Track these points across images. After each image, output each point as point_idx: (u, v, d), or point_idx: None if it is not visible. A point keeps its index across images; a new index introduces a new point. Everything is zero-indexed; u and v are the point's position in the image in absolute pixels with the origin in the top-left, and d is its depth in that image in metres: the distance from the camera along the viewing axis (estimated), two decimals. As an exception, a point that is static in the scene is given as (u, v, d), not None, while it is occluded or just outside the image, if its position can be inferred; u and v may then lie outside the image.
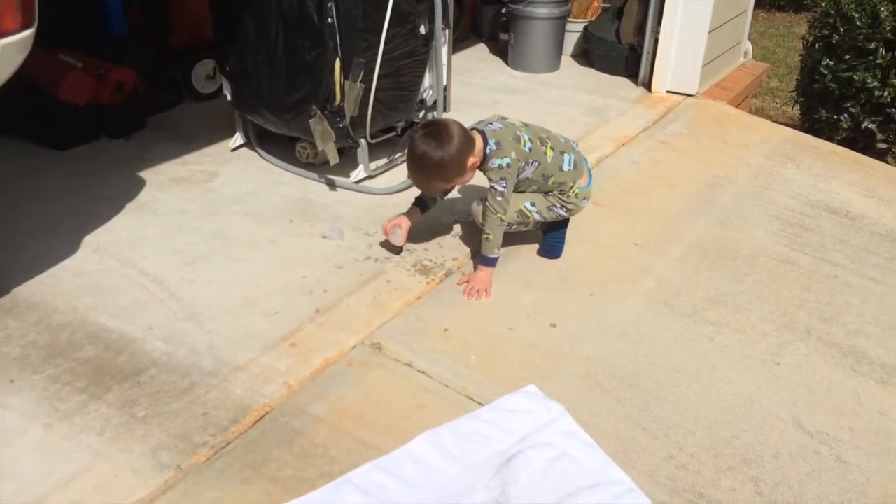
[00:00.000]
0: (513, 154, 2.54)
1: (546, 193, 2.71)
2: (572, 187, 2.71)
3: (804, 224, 3.31)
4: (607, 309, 2.62)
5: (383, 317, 2.43)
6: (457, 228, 2.99)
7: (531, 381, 2.21)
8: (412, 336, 2.37)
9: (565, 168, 2.69)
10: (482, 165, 2.58)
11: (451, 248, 2.85)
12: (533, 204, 2.69)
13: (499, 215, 2.58)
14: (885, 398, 2.36)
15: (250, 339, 2.29)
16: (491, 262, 2.64)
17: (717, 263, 2.96)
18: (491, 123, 2.63)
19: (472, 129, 2.58)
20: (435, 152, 2.43)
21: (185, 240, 2.81)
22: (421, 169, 2.50)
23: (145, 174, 3.28)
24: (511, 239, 2.93)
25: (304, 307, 2.47)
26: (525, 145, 2.59)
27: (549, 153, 2.65)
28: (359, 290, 2.57)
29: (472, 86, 4.50)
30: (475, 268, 2.69)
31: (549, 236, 2.87)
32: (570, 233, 2.87)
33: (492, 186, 2.57)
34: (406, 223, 2.72)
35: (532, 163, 2.61)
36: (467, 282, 2.63)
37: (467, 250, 2.84)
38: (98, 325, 2.32)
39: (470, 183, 2.66)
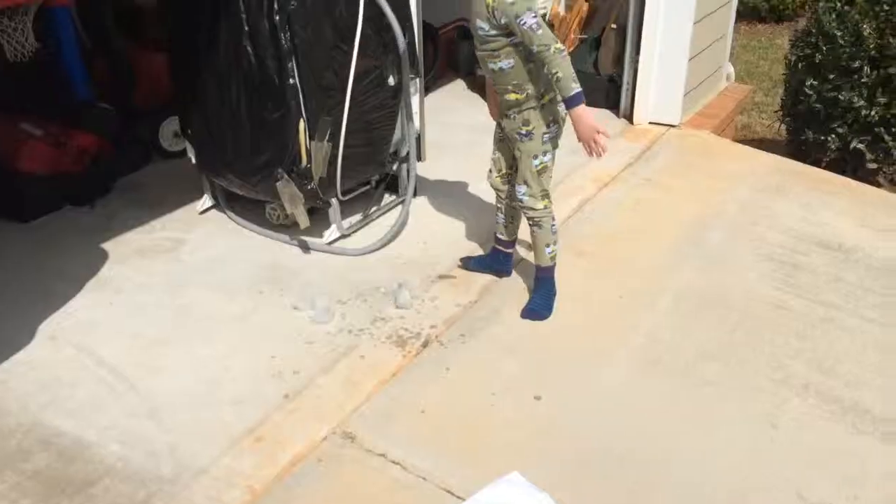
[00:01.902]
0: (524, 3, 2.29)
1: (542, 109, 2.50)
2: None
3: (796, 262, 3.18)
4: (595, 374, 2.49)
5: (356, 399, 2.30)
6: (435, 290, 2.86)
7: (515, 466, 2.07)
8: (387, 421, 2.23)
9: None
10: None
11: (428, 314, 2.72)
12: (534, 157, 2.54)
13: (552, 47, 2.29)
14: (891, 459, 2.23)
15: (213, 434, 2.15)
16: (578, 99, 2.33)
17: (708, 312, 2.83)
18: None
19: None
20: None
21: (147, 320, 2.68)
22: None
23: (109, 245, 3.15)
24: (494, 300, 2.81)
25: (272, 392, 2.33)
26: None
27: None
28: (331, 369, 2.43)
29: (449, 126, 4.38)
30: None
31: (537, 293, 2.74)
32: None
33: (522, 25, 2.28)
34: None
35: (536, 12, 2.34)
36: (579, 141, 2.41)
37: (446, 315, 2.71)
38: (51, 427, 2.18)
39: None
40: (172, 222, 3.34)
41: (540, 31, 2.30)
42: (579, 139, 2.41)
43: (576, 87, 2.33)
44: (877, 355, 2.67)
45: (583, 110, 2.37)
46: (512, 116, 2.54)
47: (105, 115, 3.60)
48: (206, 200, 3.40)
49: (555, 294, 2.74)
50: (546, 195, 2.62)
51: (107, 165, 3.55)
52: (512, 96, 2.49)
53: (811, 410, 2.40)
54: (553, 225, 2.65)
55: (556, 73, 2.32)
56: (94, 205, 3.45)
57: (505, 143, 2.67)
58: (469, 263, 2.96)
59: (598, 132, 2.38)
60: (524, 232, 2.81)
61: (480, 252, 3.07)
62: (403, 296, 2.68)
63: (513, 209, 2.78)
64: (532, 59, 2.40)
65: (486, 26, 2.38)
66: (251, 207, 3.31)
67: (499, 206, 2.81)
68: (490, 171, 2.77)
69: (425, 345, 2.56)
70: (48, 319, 2.68)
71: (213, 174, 3.21)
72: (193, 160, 3.25)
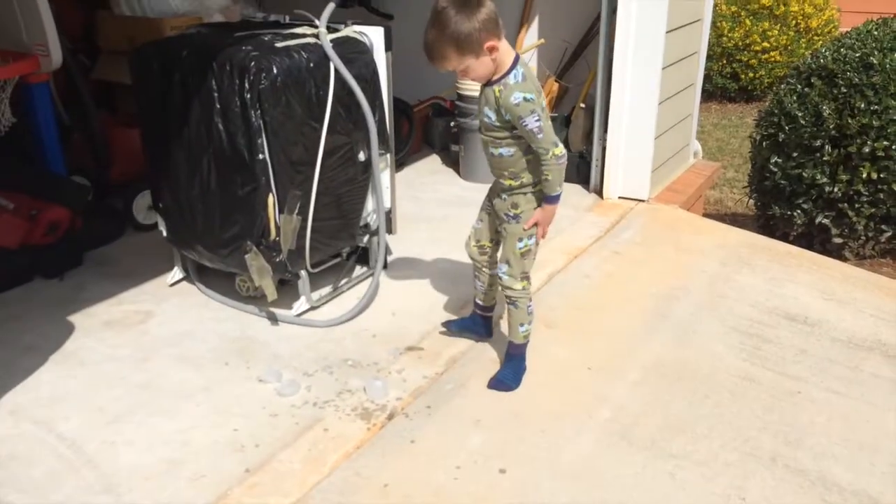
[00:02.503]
0: (535, 96, 2.34)
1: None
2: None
3: (763, 335, 3.21)
4: (561, 447, 2.47)
5: (318, 474, 2.26)
6: (402, 361, 2.85)
7: (477, 542, 2.03)
8: (349, 496, 2.19)
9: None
10: (495, 85, 2.36)
11: (394, 385, 2.71)
12: (520, 240, 2.59)
13: (551, 152, 2.36)
14: (859, 534, 2.21)
15: (171, 510, 2.10)
16: (555, 200, 2.51)
17: (676, 385, 2.84)
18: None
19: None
20: (458, 17, 2.22)
21: (110, 394, 2.64)
22: (438, 31, 2.25)
23: (77, 318, 3.13)
24: (461, 371, 2.80)
25: (233, 467, 2.29)
26: (541, 100, 2.39)
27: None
28: (294, 443, 2.40)
29: (421, 200, 4.45)
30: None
31: (506, 365, 2.74)
32: (521, 361, 2.76)
33: (525, 126, 2.33)
34: None
35: (541, 109, 2.38)
36: (536, 224, 2.55)
37: (413, 387, 2.70)
38: (3, 504, 2.13)
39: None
40: (142, 294, 3.33)
41: (541, 136, 2.38)
42: (537, 223, 2.57)
43: (559, 190, 2.49)
44: (843, 427, 2.67)
45: (552, 209, 2.56)
46: (503, 198, 2.59)
47: (78, 189, 3.63)
48: (176, 273, 3.41)
49: (524, 368, 2.75)
50: (526, 277, 2.65)
51: (78, 238, 3.55)
52: (507, 182, 2.54)
53: (780, 484, 2.38)
54: (529, 306, 2.68)
55: (547, 175, 2.44)
56: (64, 277, 3.45)
57: (492, 217, 2.70)
58: (451, 326, 2.99)
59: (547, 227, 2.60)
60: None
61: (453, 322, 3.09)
62: (375, 388, 2.64)
63: (491, 278, 2.80)
64: (531, 152, 2.47)
65: (492, 116, 2.44)
66: (221, 280, 3.31)
67: (476, 273, 2.84)
68: (469, 238, 2.80)
69: (390, 417, 2.54)
70: (9, 394, 2.63)
71: (183, 247, 3.23)
72: (164, 233, 3.26)
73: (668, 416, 2.66)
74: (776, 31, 8.32)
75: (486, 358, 2.89)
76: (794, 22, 8.44)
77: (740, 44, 8.39)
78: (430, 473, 2.31)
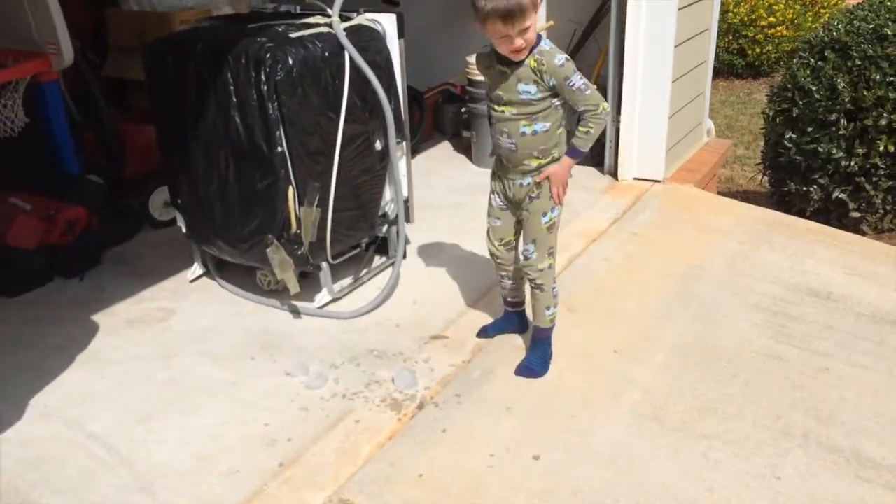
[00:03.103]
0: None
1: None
2: None
3: (787, 312, 3.19)
4: (592, 431, 2.46)
5: (353, 465, 2.26)
6: (428, 351, 2.84)
7: (516, 529, 2.03)
8: (384, 486, 2.19)
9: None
10: (532, 55, 2.35)
11: (422, 375, 2.70)
12: (544, 214, 2.56)
13: (601, 106, 2.38)
14: (896, 508, 2.20)
15: (208, 507, 2.11)
16: (581, 155, 2.49)
17: (702, 365, 2.82)
18: None
19: None
20: None
21: (138, 392, 2.64)
22: None
23: (99, 317, 3.12)
24: (488, 359, 2.79)
25: (266, 461, 2.29)
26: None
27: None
28: (326, 435, 2.40)
29: (435, 188, 4.43)
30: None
31: (533, 351, 2.73)
32: (547, 346, 2.75)
33: (572, 87, 2.35)
34: None
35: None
36: (547, 178, 2.50)
37: (440, 376, 2.69)
38: (41, 506, 2.13)
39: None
40: (162, 292, 3.32)
41: (588, 92, 2.38)
42: (553, 178, 2.50)
43: (584, 149, 2.46)
44: (873, 402, 2.65)
45: (571, 163, 2.51)
46: (524, 183, 2.54)
47: (94, 188, 3.62)
48: (196, 269, 3.40)
49: (551, 353, 2.73)
50: (552, 254, 2.62)
51: (96, 237, 3.55)
52: (534, 162, 2.50)
53: (813, 461, 2.37)
54: (554, 287, 2.66)
55: (591, 129, 2.41)
56: (84, 276, 3.44)
57: (507, 210, 2.65)
58: (487, 331, 2.92)
59: (566, 186, 2.54)
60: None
61: (473, 311, 3.07)
62: (404, 378, 2.63)
63: (517, 271, 2.77)
64: (562, 123, 2.47)
65: (532, 89, 2.40)
66: (241, 274, 3.31)
67: (501, 273, 2.79)
68: (490, 240, 2.73)
69: (420, 407, 2.54)
70: (38, 395, 2.64)
71: (203, 243, 3.22)
72: (184, 229, 3.25)
73: (697, 397, 2.65)
74: (782, 6, 8.24)
75: (512, 345, 2.88)
76: (800, -6, 8.37)
77: (746, 19, 8.31)
78: (464, 462, 2.30)
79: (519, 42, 2.30)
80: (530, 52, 2.37)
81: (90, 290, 3.34)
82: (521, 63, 2.38)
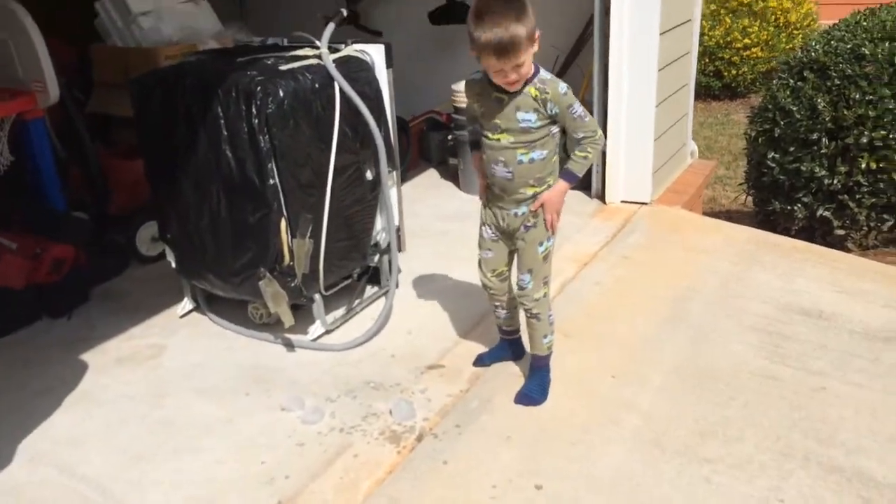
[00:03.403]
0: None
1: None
2: None
3: (780, 332, 3.20)
4: (594, 458, 2.44)
5: (353, 501, 2.23)
6: (424, 381, 2.82)
7: (522, 562, 2.00)
8: (386, 523, 2.16)
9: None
10: (531, 84, 2.37)
11: (420, 406, 2.67)
12: (540, 244, 2.56)
13: (598, 133, 2.43)
14: (902, 528, 2.20)
15: (207, 550, 2.06)
16: (575, 179, 2.50)
17: (700, 388, 2.82)
18: None
19: None
20: (516, 4, 2.22)
21: (130, 432, 2.60)
22: (512, 16, 2.19)
23: (88, 356, 3.07)
24: (485, 388, 2.77)
25: (265, 501, 2.25)
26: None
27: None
28: (324, 471, 2.36)
29: (422, 216, 4.42)
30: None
31: (531, 379, 2.71)
32: (544, 373, 2.73)
33: (574, 114, 2.39)
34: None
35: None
36: (542, 206, 2.50)
37: (438, 406, 2.66)
38: (34, 554, 2.08)
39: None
40: (152, 328, 3.28)
41: (587, 119, 2.42)
42: (547, 205, 2.49)
43: (579, 174, 2.49)
44: (871, 421, 2.66)
45: (566, 187, 2.53)
46: (518, 213, 2.53)
47: (80, 225, 3.58)
48: (185, 304, 3.36)
49: (549, 380, 2.72)
50: (547, 283, 2.61)
51: (83, 274, 3.50)
52: (530, 190, 2.49)
53: (815, 483, 2.37)
54: (550, 315, 2.65)
55: (588, 155, 2.44)
56: (72, 315, 3.39)
57: (499, 241, 2.64)
58: (483, 360, 2.90)
59: (559, 213, 2.55)
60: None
61: (468, 339, 3.06)
62: (402, 410, 2.61)
63: (511, 300, 2.76)
64: (556, 150, 2.50)
65: (532, 117, 2.40)
66: (233, 308, 3.27)
67: (495, 304, 2.77)
68: (482, 272, 2.70)
69: (419, 439, 2.51)
70: (28, 439, 2.58)
71: (193, 277, 3.19)
72: (173, 264, 3.22)
73: (696, 420, 2.64)
74: (756, 28, 8.38)
75: (508, 373, 2.86)
76: (773, 17, 8.50)
77: (721, 42, 8.43)
78: (467, 495, 2.27)
79: (513, 76, 2.31)
80: (529, 81, 2.37)
81: (78, 329, 3.29)
82: (520, 91, 2.38)
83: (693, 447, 2.50)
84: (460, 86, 4.71)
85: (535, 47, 2.30)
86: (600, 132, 2.45)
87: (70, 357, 3.07)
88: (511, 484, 2.32)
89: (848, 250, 4.53)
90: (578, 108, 2.40)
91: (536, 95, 2.38)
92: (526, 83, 2.37)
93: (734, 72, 8.52)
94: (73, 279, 3.43)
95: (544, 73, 2.41)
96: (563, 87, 2.39)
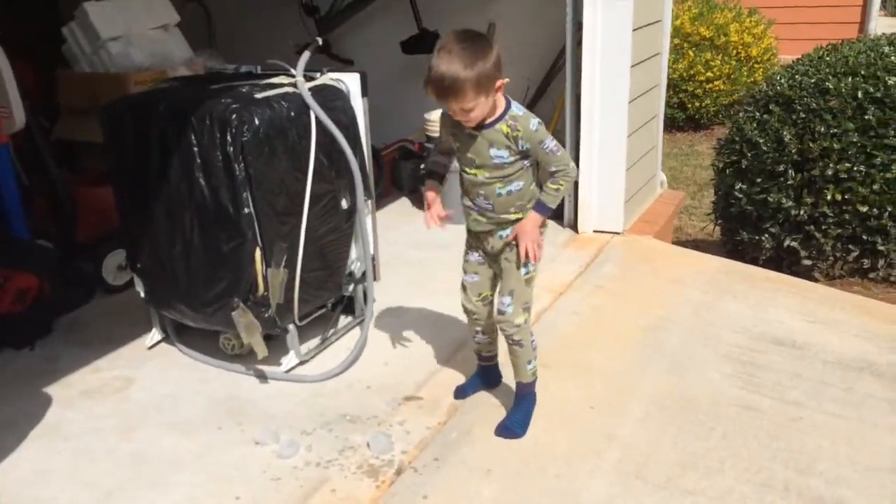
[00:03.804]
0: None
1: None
2: None
3: (755, 361, 3.22)
4: (577, 492, 2.41)
5: (332, 539, 2.16)
6: (402, 413, 2.77)
7: None
8: (368, 561, 2.09)
9: None
10: (503, 122, 2.36)
11: (398, 438, 2.62)
12: (524, 266, 2.54)
13: (570, 165, 2.41)
14: (884, 559, 2.19)
15: None
16: (547, 211, 2.48)
17: (680, 418, 2.81)
18: None
19: None
20: (478, 54, 2.20)
21: (99, 468, 2.50)
22: (461, 66, 2.19)
23: (53, 389, 2.97)
24: (464, 419, 2.73)
25: (241, 539, 2.18)
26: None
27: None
28: (302, 507, 2.29)
29: (396, 244, 4.39)
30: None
31: (516, 409, 2.68)
32: (523, 404, 2.70)
33: (546, 149, 2.37)
34: (436, 203, 2.59)
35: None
36: (515, 239, 2.49)
37: (417, 439, 2.61)
38: None
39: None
40: (119, 360, 3.19)
41: (559, 153, 2.41)
42: (522, 236, 2.48)
43: (552, 206, 2.48)
44: (848, 450, 2.67)
45: (539, 220, 2.51)
46: (503, 235, 2.54)
47: (46, 254, 3.48)
48: (154, 334, 3.27)
49: (533, 411, 2.69)
50: (528, 309, 2.59)
51: (47, 305, 3.40)
52: (513, 216, 2.50)
53: (797, 513, 2.36)
54: (532, 341, 2.63)
55: (560, 188, 2.43)
56: (35, 346, 3.28)
57: (485, 264, 2.63)
58: (464, 392, 2.86)
59: (540, 245, 2.53)
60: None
61: (446, 369, 3.02)
62: (380, 443, 2.56)
63: (491, 325, 2.74)
64: (533, 179, 2.50)
65: (504, 153, 2.41)
66: (203, 339, 3.19)
67: (476, 328, 2.75)
68: (466, 296, 2.69)
69: (399, 472, 2.45)
70: (-11, 476, 2.47)
71: (163, 307, 3.11)
72: (142, 294, 3.14)
73: (677, 451, 2.63)
74: (718, 61, 8.56)
75: (488, 403, 2.83)
76: (734, 51, 8.69)
77: (685, 74, 8.59)
78: (448, 530, 2.22)
79: (462, 117, 2.35)
80: (501, 117, 2.38)
81: (42, 361, 3.18)
82: (491, 126, 2.39)
83: (674, 479, 2.49)
84: (433, 115, 4.73)
85: (492, 97, 2.30)
86: (573, 164, 2.44)
87: (34, 390, 2.96)
88: (493, 519, 2.27)
89: (815, 280, 4.59)
90: (550, 143, 2.39)
91: (507, 132, 2.38)
92: (498, 119, 2.38)
93: (697, 104, 8.69)
94: (36, 310, 3.33)
95: (516, 109, 2.40)
96: (534, 123, 2.38)
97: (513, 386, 2.74)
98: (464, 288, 2.70)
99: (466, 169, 2.49)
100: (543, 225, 2.55)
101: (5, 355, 3.22)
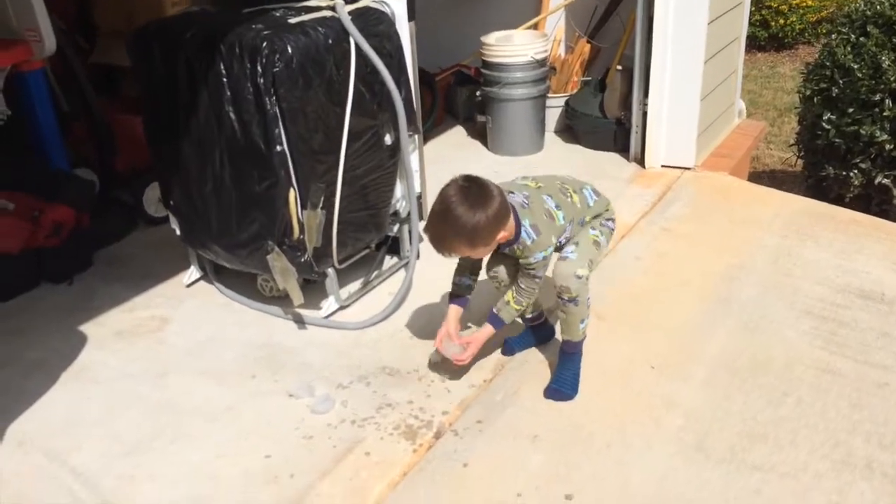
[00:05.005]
0: (553, 239, 2.32)
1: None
2: (606, 209, 2.51)
3: (838, 317, 2.91)
4: (630, 464, 2.20)
5: (363, 508, 2.01)
6: (445, 368, 2.58)
7: (549, 588, 1.78)
8: (399, 536, 1.95)
9: (591, 203, 2.45)
10: (512, 246, 2.30)
11: (439, 396, 2.44)
12: (593, 228, 2.45)
13: (534, 296, 2.41)
14: (979, 556, 1.94)
15: (199, 564, 1.87)
16: (501, 326, 2.43)
17: (749, 382, 2.55)
18: (512, 193, 2.32)
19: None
20: (469, 214, 2.13)
21: (127, 418, 2.40)
22: (448, 227, 2.18)
23: (88, 327, 2.88)
24: (511, 378, 2.53)
25: (267, 502, 2.05)
26: (558, 220, 2.34)
27: (576, 199, 2.41)
28: (333, 470, 2.15)
29: (450, 177, 4.13)
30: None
31: (562, 369, 2.47)
32: (577, 360, 2.49)
33: (531, 274, 2.34)
34: (455, 329, 2.48)
35: (568, 227, 2.38)
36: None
37: (459, 398, 2.43)
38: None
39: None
40: (157, 298, 3.08)
41: (538, 280, 2.37)
42: (473, 344, 2.44)
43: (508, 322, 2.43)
44: (941, 424, 2.39)
45: (490, 334, 2.45)
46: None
47: (83, 185, 3.36)
48: (192, 272, 3.14)
49: (580, 371, 2.48)
50: (591, 267, 2.40)
51: (86, 238, 3.30)
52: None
53: (880, 497, 2.11)
54: (589, 297, 2.40)
55: (521, 308, 2.39)
56: (73, 281, 3.20)
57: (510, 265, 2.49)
58: (514, 347, 2.67)
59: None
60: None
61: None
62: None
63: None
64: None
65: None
66: (242, 279, 3.05)
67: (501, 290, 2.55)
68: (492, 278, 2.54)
69: (438, 435, 2.28)
70: (17, 421, 2.40)
71: (198, 247, 2.96)
72: (178, 232, 2.99)
73: (745, 420, 2.38)
74: (808, -29, 7.85)
75: (536, 360, 2.62)
76: (826, -40, 7.96)
77: (769, -12, 7.92)
78: (489, 503, 2.05)
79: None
80: (512, 243, 2.30)
81: (78, 297, 3.10)
82: (506, 248, 2.33)
83: (741, 453, 2.25)
84: (490, 38, 4.40)
85: (495, 242, 2.23)
86: (535, 297, 2.41)
87: (67, 328, 2.88)
88: (538, 492, 2.09)
89: (907, 222, 4.20)
90: (539, 273, 2.35)
91: (519, 254, 2.33)
92: (510, 244, 2.31)
93: (782, 21, 8.02)
94: (74, 243, 3.23)
95: (526, 237, 2.28)
96: (537, 256, 2.30)
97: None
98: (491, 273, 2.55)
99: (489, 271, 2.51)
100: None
101: (41, 291, 3.15)
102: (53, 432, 2.36)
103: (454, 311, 2.49)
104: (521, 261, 2.32)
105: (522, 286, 2.36)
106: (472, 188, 2.17)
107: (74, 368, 2.66)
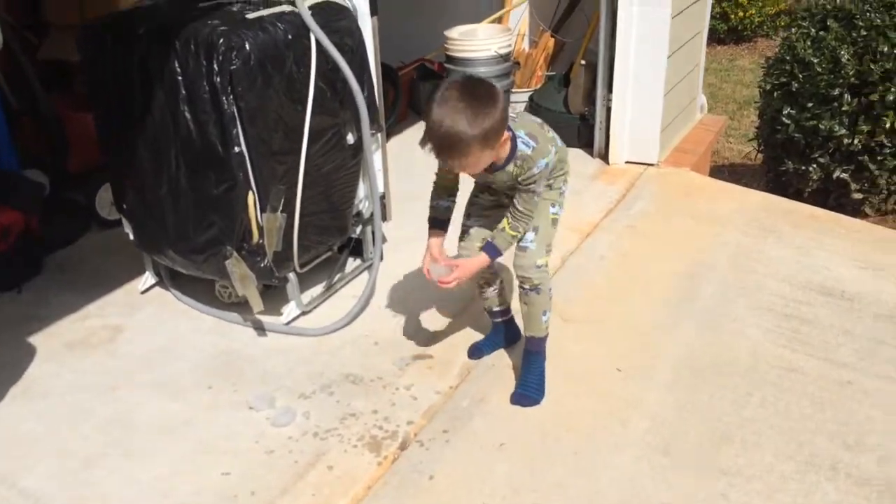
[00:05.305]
0: (550, 147, 2.19)
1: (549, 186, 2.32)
2: (566, 160, 2.36)
3: (800, 315, 2.93)
4: (598, 470, 2.18)
5: (326, 526, 1.96)
6: (410, 375, 2.53)
7: None
8: (364, 554, 1.90)
9: (559, 143, 2.31)
10: (509, 164, 2.16)
11: (404, 405, 2.40)
12: (553, 205, 2.33)
13: (531, 222, 2.26)
14: (943, 557, 1.95)
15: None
16: (495, 254, 2.29)
17: (714, 382, 2.55)
18: None
19: None
20: (486, 109, 1.96)
21: (78, 433, 2.31)
22: (465, 120, 1.95)
23: (37, 338, 2.77)
24: (477, 384, 2.49)
25: (227, 523, 1.99)
26: (548, 133, 2.23)
27: (550, 135, 2.26)
28: (294, 486, 2.09)
29: (414, 175, 4.04)
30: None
31: (527, 372, 2.43)
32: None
33: (531, 189, 2.19)
34: (439, 253, 2.34)
35: (552, 150, 2.23)
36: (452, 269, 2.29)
37: (425, 407, 2.39)
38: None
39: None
40: (110, 306, 2.97)
41: (536, 199, 2.23)
42: (459, 270, 2.28)
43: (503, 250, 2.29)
44: (903, 422, 2.41)
45: (484, 262, 2.31)
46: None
47: (32, 188, 3.22)
48: (147, 278, 3.04)
49: (544, 372, 2.45)
50: (549, 251, 2.34)
51: (35, 243, 3.17)
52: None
53: (845, 498, 2.12)
54: (550, 289, 2.36)
55: (518, 233, 2.25)
56: (21, 289, 3.08)
57: (493, 210, 2.38)
58: (480, 351, 2.62)
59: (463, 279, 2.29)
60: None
61: (460, 320, 2.79)
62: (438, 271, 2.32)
63: (495, 275, 2.48)
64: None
65: (511, 181, 2.23)
66: (199, 284, 2.95)
67: (480, 281, 2.49)
68: (466, 242, 2.42)
69: (403, 447, 2.23)
70: (-38, 439, 2.30)
71: (153, 252, 2.87)
72: (131, 237, 2.89)
73: (709, 421, 2.38)
74: (766, -37, 7.92)
75: (503, 364, 2.58)
76: (784, -47, 8.04)
77: (729, -20, 7.96)
78: (455, 517, 2.01)
79: (464, 171, 2.17)
80: (510, 159, 2.15)
81: (28, 305, 2.98)
82: (501, 169, 2.18)
83: (706, 456, 2.25)
84: (453, 32, 4.33)
85: (496, 149, 2.07)
86: (532, 220, 2.26)
87: (16, 338, 2.76)
88: (504, 502, 2.06)
89: (865, 215, 4.24)
90: (539, 188, 2.20)
91: (517, 172, 2.18)
92: (507, 162, 2.16)
93: (741, 13, 8.07)
94: (22, 248, 3.10)
95: (523, 147, 2.15)
96: (541, 163, 2.16)
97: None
98: (466, 234, 2.43)
99: (478, 192, 2.43)
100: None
101: (-11, 299, 3.03)
102: (2, 451, 2.26)
103: (435, 235, 2.37)
104: (519, 178, 2.18)
105: (519, 208, 2.22)
106: (476, 85, 2.04)
107: (23, 382, 2.55)
